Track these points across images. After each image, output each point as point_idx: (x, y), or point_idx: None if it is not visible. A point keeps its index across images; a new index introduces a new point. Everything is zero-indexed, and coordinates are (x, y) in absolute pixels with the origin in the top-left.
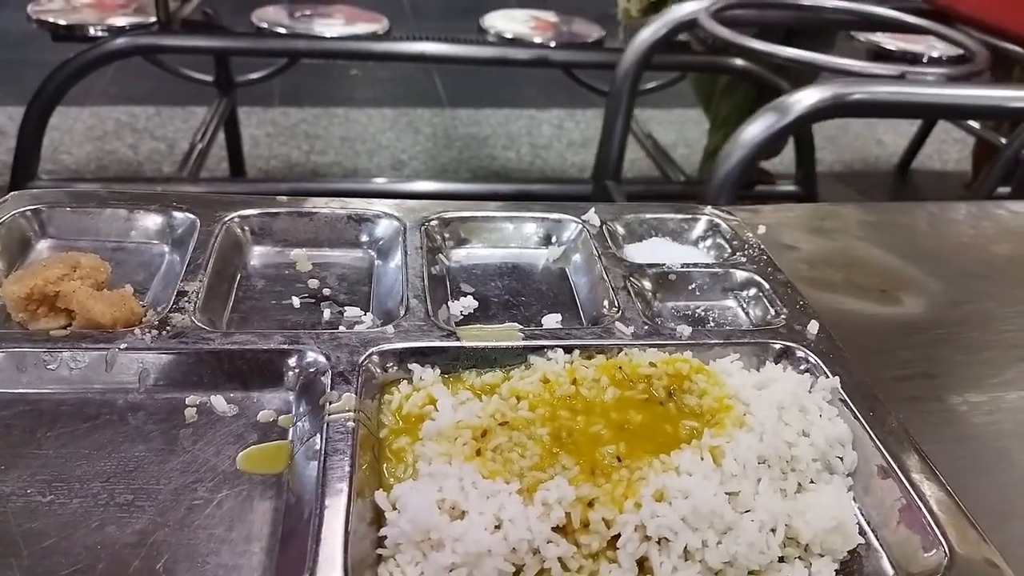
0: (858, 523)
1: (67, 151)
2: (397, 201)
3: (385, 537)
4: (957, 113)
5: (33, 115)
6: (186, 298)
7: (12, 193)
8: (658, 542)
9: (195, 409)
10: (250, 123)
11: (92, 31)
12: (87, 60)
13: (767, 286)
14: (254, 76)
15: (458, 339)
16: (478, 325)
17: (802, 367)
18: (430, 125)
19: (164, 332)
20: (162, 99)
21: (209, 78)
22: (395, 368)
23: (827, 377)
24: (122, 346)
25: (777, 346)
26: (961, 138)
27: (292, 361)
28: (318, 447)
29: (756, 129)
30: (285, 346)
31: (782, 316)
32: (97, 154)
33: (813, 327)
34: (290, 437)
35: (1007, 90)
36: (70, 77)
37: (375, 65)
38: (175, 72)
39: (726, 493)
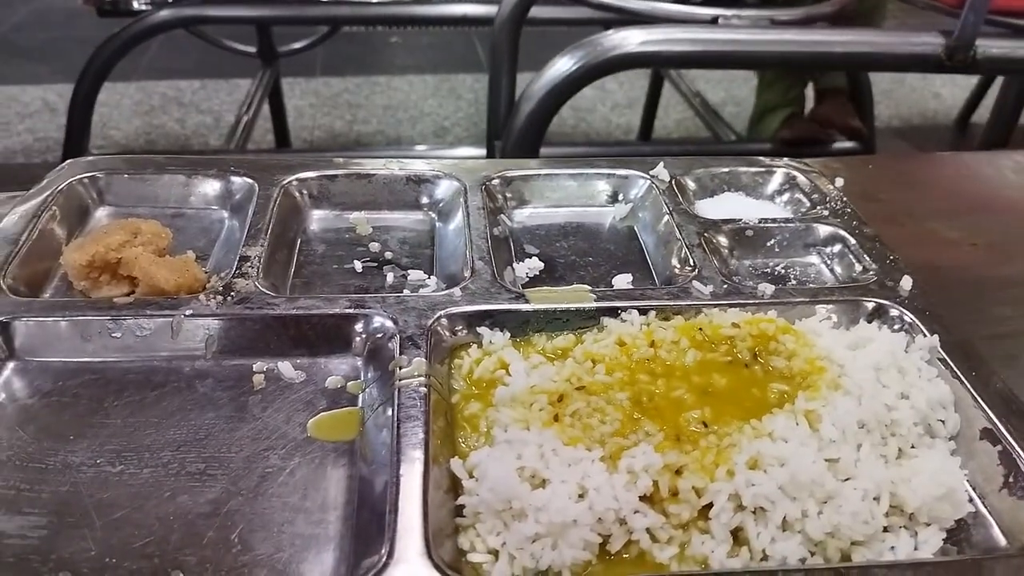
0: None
1: (116, 126)
2: (456, 161)
3: (463, 506)
4: (776, 63)
5: (82, 91)
6: (248, 263)
7: (68, 161)
8: (753, 512)
9: (263, 375)
10: (293, 94)
11: (136, 5)
12: (133, 33)
13: (853, 241)
14: (296, 46)
15: (527, 301)
16: (546, 287)
17: (896, 326)
18: (472, 91)
19: (229, 298)
20: (206, 72)
21: (252, 49)
22: (464, 332)
23: (925, 336)
24: (187, 312)
25: (869, 304)
26: None
27: (359, 326)
28: (390, 413)
29: (541, 84)
30: (351, 311)
31: (871, 272)
32: (145, 128)
33: (906, 283)
34: (360, 403)
35: (833, 34)
36: (116, 51)
37: (415, 31)
38: (218, 44)
39: (825, 460)
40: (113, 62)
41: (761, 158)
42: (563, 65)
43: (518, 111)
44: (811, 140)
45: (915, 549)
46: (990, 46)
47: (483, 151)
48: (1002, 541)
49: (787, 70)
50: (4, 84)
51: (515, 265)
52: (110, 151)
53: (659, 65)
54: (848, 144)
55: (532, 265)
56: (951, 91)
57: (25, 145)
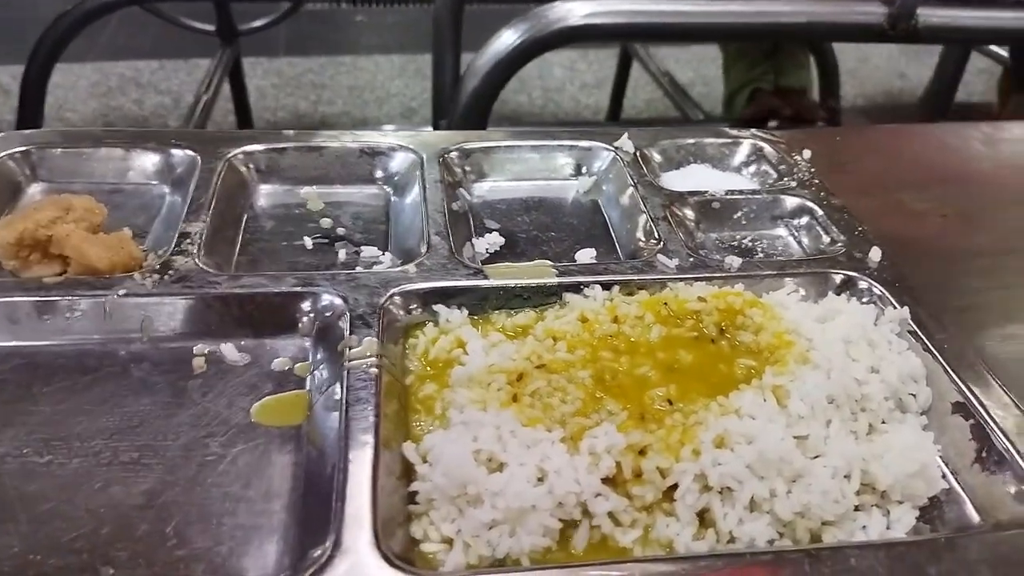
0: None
1: (72, 108)
2: (412, 133)
3: (416, 492)
4: (719, 34)
5: (33, 71)
6: (189, 240)
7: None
8: (720, 492)
9: (203, 359)
10: (255, 74)
11: None
12: (85, 11)
13: (820, 212)
14: (257, 24)
15: (486, 277)
16: (506, 263)
17: (866, 298)
18: None
19: (167, 276)
20: (165, 52)
21: (211, 27)
22: (419, 310)
23: (895, 308)
24: (121, 292)
25: (838, 276)
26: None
27: (306, 305)
28: (339, 396)
29: (485, 59)
30: (298, 288)
31: (839, 244)
32: (102, 110)
33: (875, 255)
34: (308, 387)
35: (777, 4)
36: (68, 30)
37: (381, 9)
38: (175, 22)
39: (794, 437)
40: (66, 41)
41: (728, 129)
42: (507, 39)
43: (462, 88)
44: (775, 115)
45: (887, 528)
46: (931, 15)
47: (455, 134)
48: (976, 518)
49: (737, 43)
50: None
51: (474, 240)
52: None
53: (605, 38)
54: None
55: (492, 240)
56: (916, 70)
57: None
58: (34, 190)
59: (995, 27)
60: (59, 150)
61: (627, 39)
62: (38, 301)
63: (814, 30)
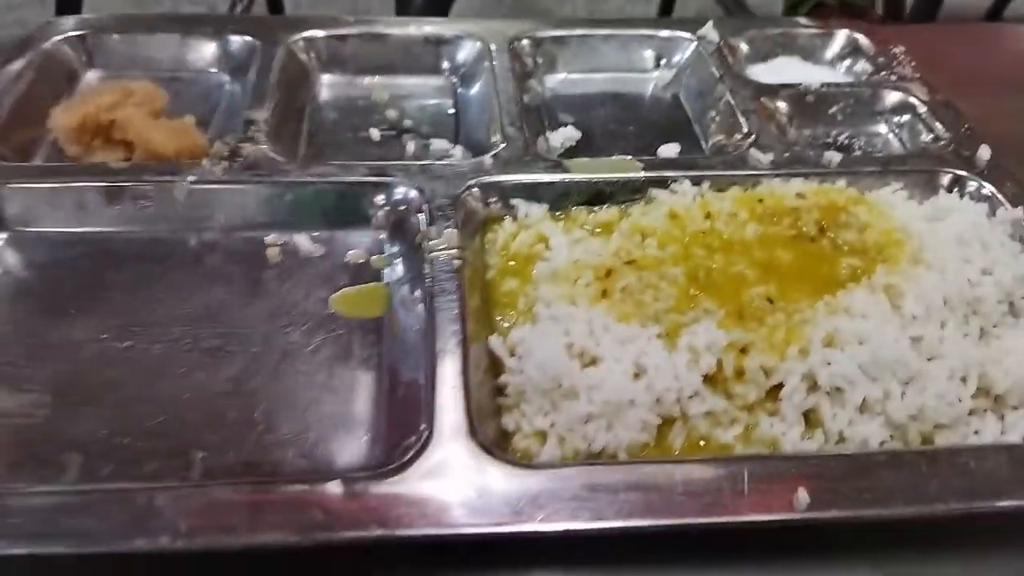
0: None
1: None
2: (477, 21)
3: (505, 385)
4: None
5: None
6: (255, 127)
7: (53, 18)
8: (829, 392)
9: (278, 249)
10: None
11: None
12: None
13: (923, 108)
14: None
15: (566, 171)
16: (585, 157)
17: (975, 199)
18: None
19: (235, 164)
20: None
21: None
22: (497, 203)
23: (1007, 209)
24: (191, 178)
25: (946, 176)
26: None
27: (380, 197)
28: (420, 289)
29: None
30: (372, 179)
31: (944, 142)
32: (139, 5)
33: (984, 152)
34: (385, 279)
35: None
36: None
37: None
38: None
39: (909, 338)
40: None
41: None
42: None
43: None
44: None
45: (1001, 433)
46: None
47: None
48: None
49: None
50: None
51: (549, 134)
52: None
53: None
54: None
55: (568, 134)
56: None
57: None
58: (90, 77)
59: None
60: (115, 36)
61: None
62: (105, 186)
63: None
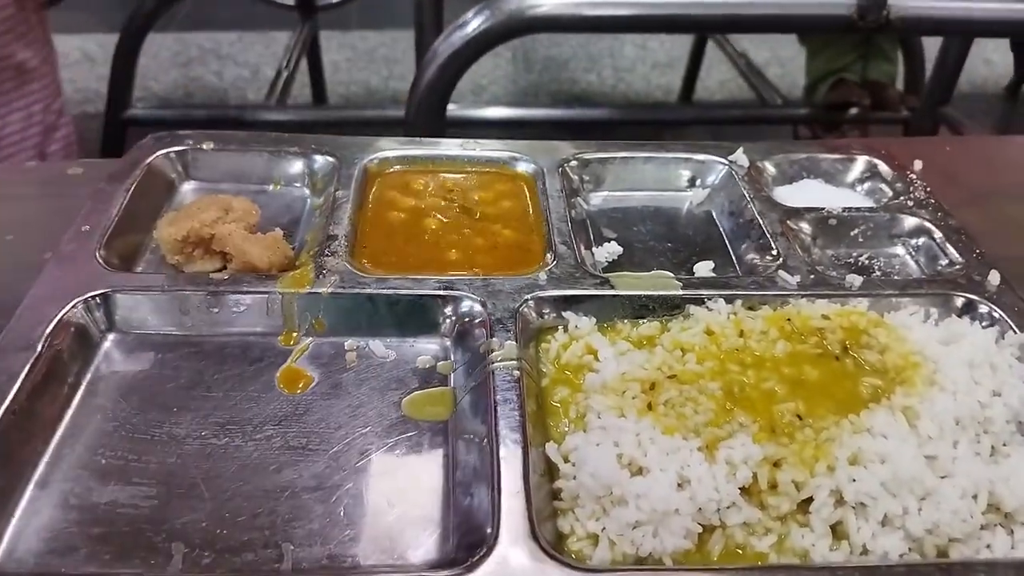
0: None
1: (154, 78)
2: (530, 143)
3: (559, 490)
4: (689, 26)
5: (127, 40)
6: (336, 242)
7: (152, 135)
8: (854, 507)
9: (355, 353)
10: (329, 48)
11: None
12: None
13: (938, 233)
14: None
15: (612, 287)
16: (627, 272)
17: (986, 322)
18: (509, 48)
19: (320, 276)
20: (243, 24)
21: (291, 2)
22: (551, 315)
23: (1015, 332)
24: (280, 290)
25: (959, 299)
26: None
27: (448, 308)
28: (483, 395)
29: (441, 51)
30: (441, 292)
31: (958, 266)
32: (183, 81)
33: (994, 278)
34: (451, 384)
35: None
36: (162, 1)
37: None
38: None
39: (924, 456)
40: (160, 12)
41: (839, 142)
42: (468, 28)
43: (420, 79)
44: (856, 104)
45: (1011, 548)
46: (904, 6)
47: (524, 111)
48: None
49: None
50: None
51: (595, 249)
52: (151, 103)
53: (565, 30)
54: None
55: (611, 250)
56: (1002, 57)
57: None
58: (187, 188)
59: (974, 18)
60: (209, 151)
61: (593, 31)
62: (207, 295)
63: (783, 22)
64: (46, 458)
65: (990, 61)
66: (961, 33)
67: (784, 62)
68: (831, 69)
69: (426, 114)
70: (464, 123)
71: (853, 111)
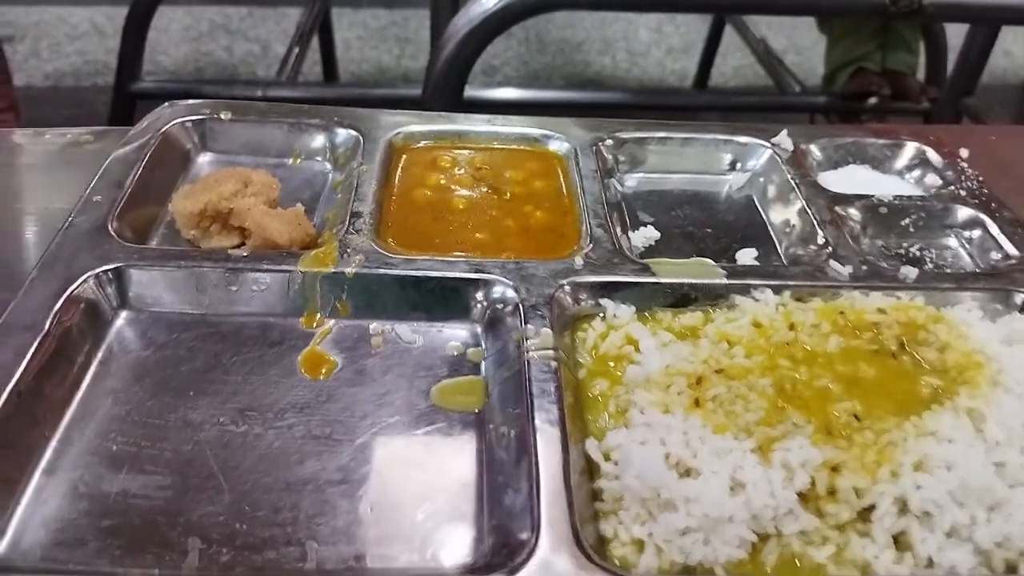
0: None
1: (164, 52)
2: (562, 119)
3: (602, 490)
4: (718, 7)
5: (137, 13)
6: (361, 219)
7: (168, 103)
8: (919, 517)
9: (381, 337)
10: (341, 25)
11: None
12: None
13: (994, 225)
14: None
15: (652, 274)
16: (667, 259)
17: None
18: (523, 28)
19: (344, 256)
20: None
21: None
22: (588, 302)
23: None
24: (302, 269)
25: (1019, 295)
26: None
27: (479, 293)
28: (517, 386)
29: (461, 25)
30: (472, 275)
31: (1014, 260)
32: (193, 55)
33: None
34: (482, 372)
35: None
36: None
37: None
38: None
39: (993, 464)
40: None
41: (886, 127)
42: (487, 4)
43: (437, 56)
44: (876, 93)
45: None
46: None
47: (537, 93)
48: None
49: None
50: (52, 5)
51: (631, 233)
52: (160, 77)
53: (584, 7)
54: (918, 105)
55: (648, 234)
56: (1022, 48)
57: (75, 67)
58: (203, 159)
59: (1007, 4)
60: (227, 121)
61: (612, 8)
62: (225, 272)
63: (814, 7)
64: (54, 443)
65: (1010, 52)
66: (991, 21)
67: (802, 50)
68: (851, 58)
69: (443, 92)
70: (476, 104)
71: (872, 101)
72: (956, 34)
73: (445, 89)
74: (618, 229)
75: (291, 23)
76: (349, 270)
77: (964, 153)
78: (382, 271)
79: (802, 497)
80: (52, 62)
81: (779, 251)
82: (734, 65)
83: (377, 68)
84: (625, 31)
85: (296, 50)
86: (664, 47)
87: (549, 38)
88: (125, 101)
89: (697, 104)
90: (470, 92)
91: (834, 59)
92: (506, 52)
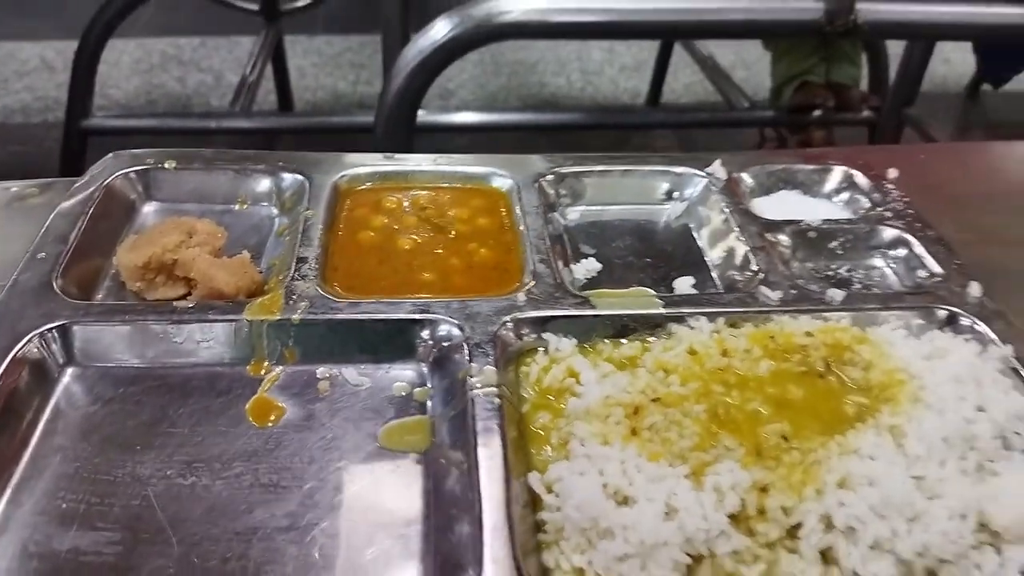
0: None
1: (115, 85)
2: (506, 157)
3: (544, 521)
4: (656, 32)
5: (87, 48)
6: (306, 264)
7: (112, 153)
8: (844, 532)
9: (328, 382)
10: (295, 53)
11: None
12: None
13: (918, 244)
14: (300, 3)
15: (592, 306)
16: (607, 290)
17: (968, 335)
18: (477, 52)
19: (290, 302)
20: (206, 29)
21: (255, 7)
22: (531, 337)
23: (997, 346)
24: (248, 318)
25: (942, 312)
26: None
27: (425, 332)
28: (462, 423)
29: (409, 59)
30: (417, 316)
31: (938, 278)
32: (145, 87)
33: (974, 289)
34: (428, 411)
35: (712, 2)
36: (124, 7)
37: None
38: (220, 1)
39: (912, 477)
40: (119, 19)
41: (816, 152)
42: (436, 35)
43: (388, 89)
44: (820, 106)
45: (1000, 567)
46: (871, 10)
47: (494, 116)
48: None
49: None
50: (0, 40)
51: (573, 266)
52: (112, 111)
53: (533, 36)
54: (861, 115)
55: (590, 266)
56: (961, 56)
57: (24, 104)
58: (148, 209)
59: (939, 22)
60: (171, 170)
61: (560, 37)
62: (171, 324)
63: (751, 28)
64: (3, 504)
65: (949, 60)
66: (927, 37)
67: (750, 64)
68: (795, 72)
69: (396, 123)
70: (433, 129)
71: (817, 113)
72: (897, 44)
73: (398, 120)
74: (560, 263)
75: (244, 52)
76: (295, 317)
77: (893, 174)
78: (328, 316)
79: (733, 518)
80: (1, 99)
81: (714, 278)
82: (685, 82)
83: (333, 95)
84: (579, 51)
85: (250, 79)
86: (617, 65)
87: (504, 60)
88: (76, 138)
89: (650, 122)
90: (427, 118)
91: (779, 74)
92: (461, 75)
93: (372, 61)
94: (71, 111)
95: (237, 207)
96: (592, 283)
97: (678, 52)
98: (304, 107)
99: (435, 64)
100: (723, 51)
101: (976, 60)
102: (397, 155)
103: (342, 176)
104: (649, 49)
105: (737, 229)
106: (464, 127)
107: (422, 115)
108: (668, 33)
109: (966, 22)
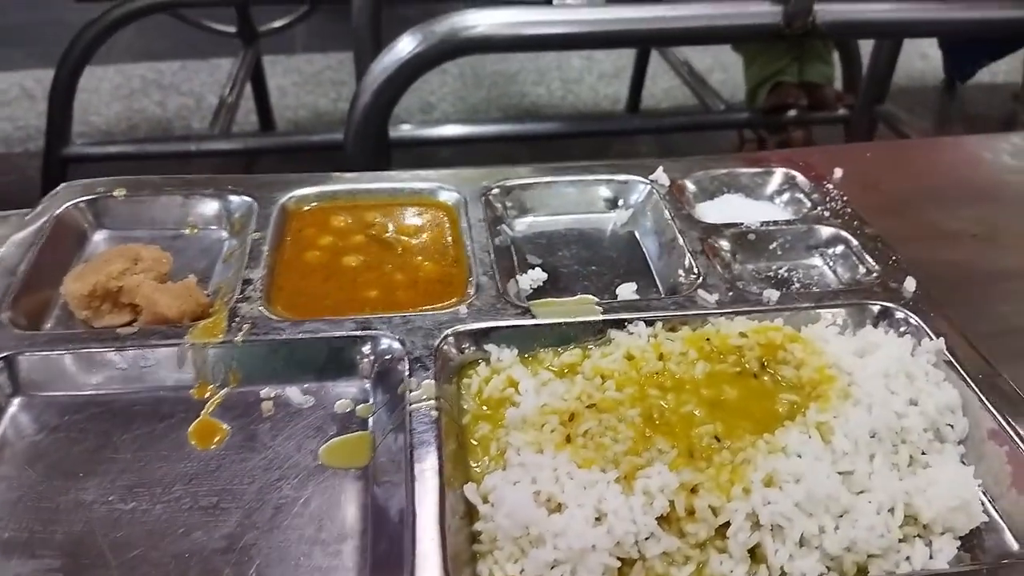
0: None
1: (96, 112)
2: (453, 171)
3: (479, 532)
4: (616, 42)
5: (63, 77)
6: (251, 286)
7: (63, 184)
8: (771, 530)
9: (271, 402)
10: (275, 73)
11: None
12: (115, 17)
13: (855, 241)
14: (277, 24)
15: (533, 316)
16: (550, 299)
17: (902, 329)
18: (457, 64)
19: (234, 324)
20: (185, 53)
21: (232, 29)
22: (472, 349)
23: (931, 339)
24: (191, 342)
25: (875, 307)
26: None
27: (366, 348)
28: (402, 438)
29: (375, 76)
30: (358, 333)
31: (874, 274)
32: (126, 113)
33: (910, 284)
34: (370, 427)
35: (670, 9)
36: (98, 36)
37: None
38: (199, 25)
39: (839, 473)
40: (94, 47)
41: (758, 155)
42: (401, 51)
43: (355, 105)
44: (795, 106)
45: (930, 558)
46: (829, 11)
47: (476, 128)
48: (1015, 545)
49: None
50: None
51: (519, 277)
52: (93, 138)
53: (498, 50)
54: (835, 113)
55: (536, 276)
56: (938, 51)
57: (5, 134)
58: (99, 237)
59: (897, 20)
60: (121, 199)
61: (522, 50)
62: (113, 352)
63: (713, 34)
64: None
65: (927, 56)
66: (886, 36)
67: (727, 67)
68: (768, 73)
69: (364, 139)
70: (415, 143)
71: (792, 113)
72: (869, 42)
73: (366, 136)
74: (505, 275)
75: (224, 74)
76: (237, 339)
77: (838, 173)
78: (270, 337)
79: (664, 520)
80: None
81: (657, 284)
82: (663, 87)
83: (314, 113)
84: (558, 60)
85: (229, 100)
86: (596, 73)
87: (484, 72)
88: (56, 166)
89: (630, 128)
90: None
91: (753, 76)
92: (442, 88)
93: (352, 78)
94: (50, 140)
95: (188, 232)
96: (538, 293)
97: (655, 58)
98: (286, 126)
99: (402, 80)
100: (700, 55)
101: (942, 56)
102: (345, 174)
103: (290, 197)
104: (628, 56)
105: (678, 234)
106: (446, 140)
107: (404, 129)
108: (630, 42)
109: (922, 19)
